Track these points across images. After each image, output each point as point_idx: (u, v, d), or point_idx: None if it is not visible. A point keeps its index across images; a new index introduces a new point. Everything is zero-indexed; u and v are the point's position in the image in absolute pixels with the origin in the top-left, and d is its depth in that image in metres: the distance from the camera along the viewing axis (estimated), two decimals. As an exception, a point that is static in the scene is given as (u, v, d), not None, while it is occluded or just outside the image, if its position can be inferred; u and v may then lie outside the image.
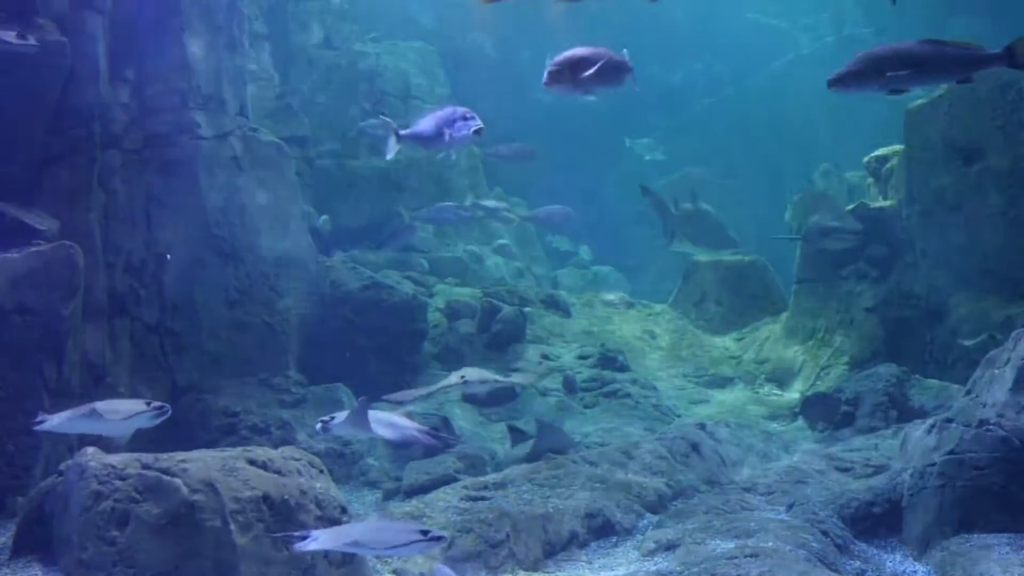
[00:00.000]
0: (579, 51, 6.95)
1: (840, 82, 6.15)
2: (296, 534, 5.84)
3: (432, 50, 21.26)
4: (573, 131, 22.50)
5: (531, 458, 10.29)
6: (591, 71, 6.74)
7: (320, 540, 5.67)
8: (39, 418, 6.92)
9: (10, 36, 8.70)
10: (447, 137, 7.40)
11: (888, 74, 6.01)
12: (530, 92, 20.56)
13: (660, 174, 25.75)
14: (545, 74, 6.84)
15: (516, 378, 8.83)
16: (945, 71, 6.21)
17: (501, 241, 19.56)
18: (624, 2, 25.26)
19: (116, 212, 10.44)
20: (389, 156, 7.95)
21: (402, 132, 7.89)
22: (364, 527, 6.21)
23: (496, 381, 8.30)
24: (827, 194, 15.31)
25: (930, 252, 13.35)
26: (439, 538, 5.72)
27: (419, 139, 7.76)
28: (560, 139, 19.68)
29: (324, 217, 16.58)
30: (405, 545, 5.68)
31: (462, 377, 8.19)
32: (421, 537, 5.64)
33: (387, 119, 8.52)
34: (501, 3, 19.09)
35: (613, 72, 7.00)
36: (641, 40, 24.98)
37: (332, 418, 7.63)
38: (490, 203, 18.16)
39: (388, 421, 7.58)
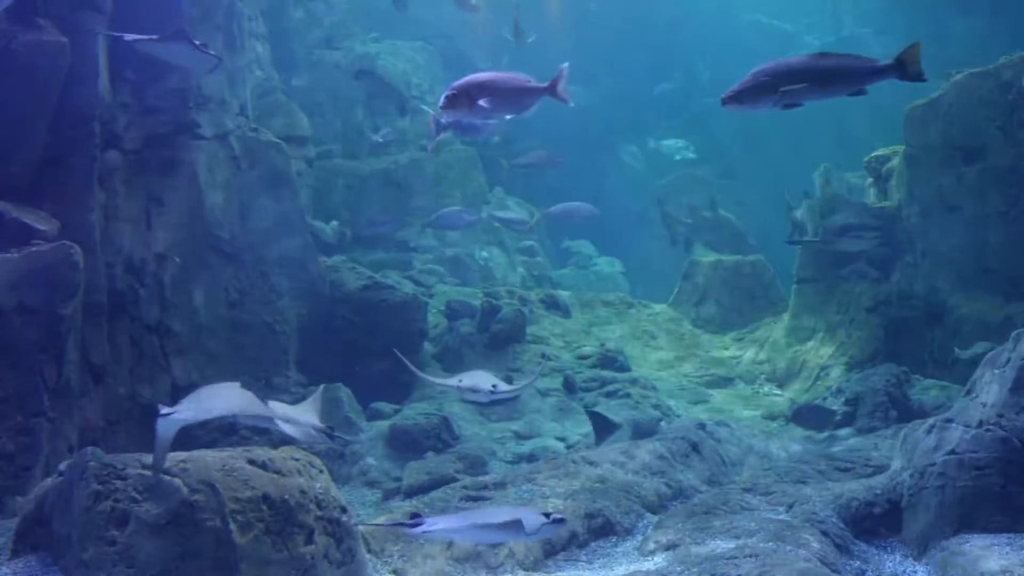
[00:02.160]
0: (481, 76, 6.99)
1: (734, 99, 6.12)
2: (409, 521, 5.80)
3: (432, 50, 21.27)
4: (573, 131, 22.50)
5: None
6: (485, 99, 6.74)
7: (439, 525, 5.67)
8: (166, 411, 6.25)
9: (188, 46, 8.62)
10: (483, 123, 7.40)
11: (781, 89, 6.00)
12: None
13: (657, 175, 25.79)
14: (442, 98, 6.84)
15: (529, 379, 8.61)
16: (838, 84, 6.18)
17: (528, 242, 19.75)
18: (625, 3, 25.32)
19: (116, 212, 10.43)
20: (433, 145, 7.96)
21: (443, 120, 7.89)
22: (485, 513, 6.18)
23: (517, 388, 7.94)
24: (841, 194, 15.26)
25: (930, 252, 13.35)
26: (561, 520, 5.76)
27: (459, 126, 7.79)
28: (560, 139, 19.67)
29: (333, 223, 16.52)
30: (531, 531, 5.70)
31: (493, 386, 7.80)
32: (546, 520, 5.68)
33: (428, 109, 8.48)
34: (501, 3, 19.15)
35: (514, 99, 6.96)
36: (641, 40, 25.12)
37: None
38: (507, 214, 18.21)
39: (285, 415, 7.27)
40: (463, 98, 6.74)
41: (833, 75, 6.14)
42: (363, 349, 12.79)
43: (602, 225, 17.46)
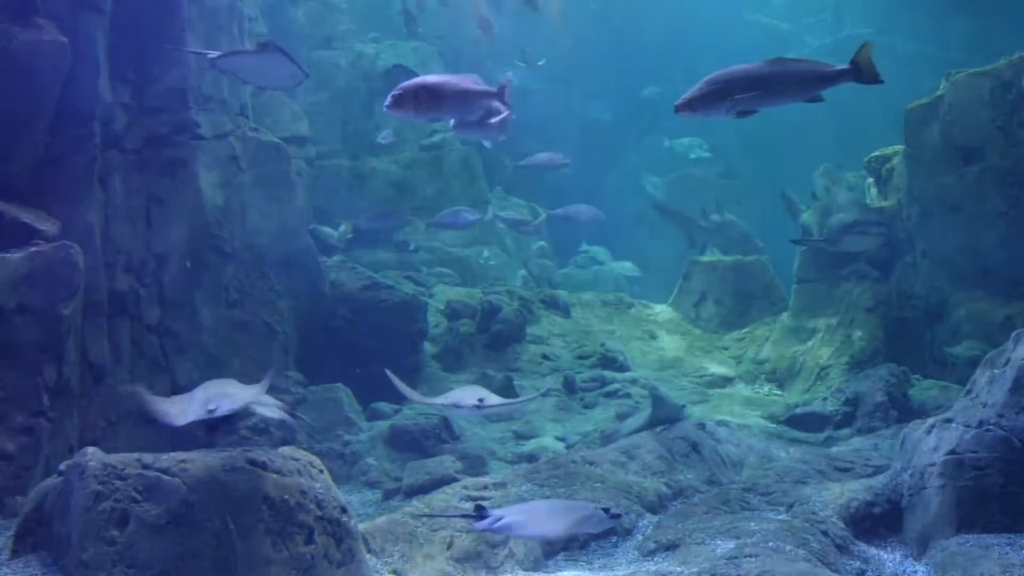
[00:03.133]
0: (429, 78, 7.02)
1: (687, 107, 6.08)
2: (472, 513, 5.84)
3: (432, 50, 21.25)
4: (572, 131, 22.52)
5: (647, 427, 10.66)
6: (430, 101, 6.75)
7: (504, 520, 5.68)
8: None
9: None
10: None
11: (735, 96, 5.94)
12: (529, 92, 20.56)
13: (658, 173, 25.80)
14: (389, 97, 6.83)
15: (524, 396, 8.42)
16: (793, 90, 6.08)
17: (540, 243, 19.80)
18: (625, 3, 25.33)
19: (116, 212, 10.43)
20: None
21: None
22: (547, 505, 6.27)
23: (508, 403, 7.78)
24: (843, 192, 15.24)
25: (930, 252, 13.35)
26: (618, 516, 5.80)
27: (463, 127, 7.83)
28: (559, 139, 19.68)
29: (342, 228, 16.48)
30: (592, 524, 5.79)
31: (480, 399, 7.69)
32: (604, 515, 5.80)
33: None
34: (501, 4, 19.16)
35: (460, 102, 6.99)
36: (641, 40, 25.12)
37: None
38: (512, 215, 18.23)
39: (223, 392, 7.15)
40: (409, 99, 6.74)
41: (788, 81, 6.04)
42: (363, 349, 12.79)
43: (602, 225, 17.47)
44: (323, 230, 15.65)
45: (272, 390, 11.54)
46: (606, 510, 5.90)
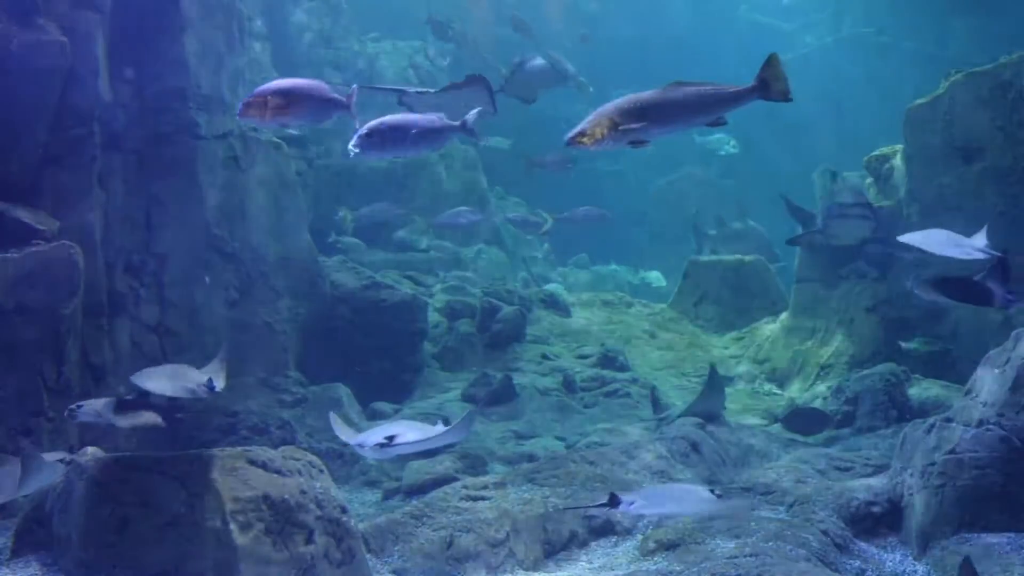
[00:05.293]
0: (283, 83, 7.01)
1: (577, 140, 5.81)
2: (606, 503, 6.11)
3: (432, 51, 21.26)
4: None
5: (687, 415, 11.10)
6: (278, 107, 6.78)
7: (637, 504, 6.05)
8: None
9: None
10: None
11: (620, 128, 5.65)
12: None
13: (659, 175, 25.81)
14: (240, 104, 6.86)
15: (448, 436, 7.31)
16: (692, 116, 5.79)
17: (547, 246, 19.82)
18: (624, 3, 25.33)
19: (116, 212, 10.44)
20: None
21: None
22: (666, 489, 6.92)
23: (420, 441, 6.97)
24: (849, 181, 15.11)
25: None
26: (721, 496, 6.26)
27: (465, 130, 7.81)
28: (557, 139, 19.67)
29: (342, 213, 16.53)
30: (704, 505, 6.21)
31: (389, 438, 6.79)
32: (715, 497, 6.14)
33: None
34: (501, 4, 19.17)
35: (313, 107, 7.00)
36: (641, 40, 25.11)
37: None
38: (521, 216, 18.25)
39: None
40: (259, 105, 6.76)
41: (685, 107, 5.74)
42: (363, 349, 12.79)
43: (601, 225, 17.47)
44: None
45: (272, 389, 11.59)
46: (712, 490, 6.25)
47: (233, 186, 11.84)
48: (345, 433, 6.31)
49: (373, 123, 6.89)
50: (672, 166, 25.56)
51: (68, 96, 9.60)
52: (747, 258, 17.37)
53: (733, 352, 15.73)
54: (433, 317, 14.19)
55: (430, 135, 6.98)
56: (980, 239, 7.84)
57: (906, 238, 8.09)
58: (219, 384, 7.23)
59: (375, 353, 12.77)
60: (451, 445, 10.90)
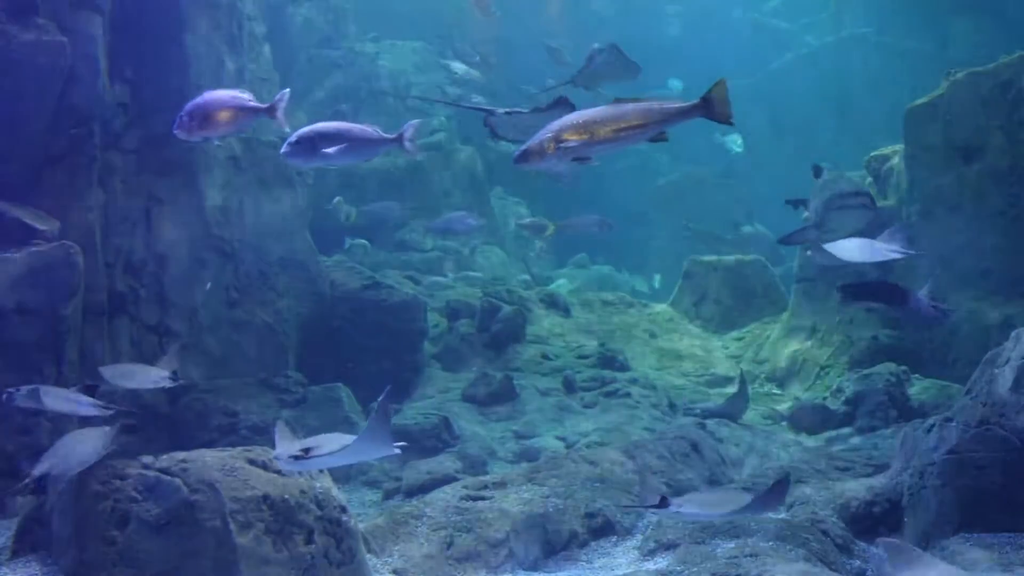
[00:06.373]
0: (215, 94, 7.14)
1: (523, 159, 5.81)
2: (656, 504, 6.29)
3: (431, 50, 21.27)
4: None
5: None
6: (201, 120, 6.89)
7: (682, 507, 6.28)
8: None
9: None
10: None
11: (560, 145, 5.65)
12: (528, 92, 20.56)
13: (659, 173, 25.78)
14: (177, 119, 6.95)
15: (364, 448, 6.84)
16: (634, 133, 5.72)
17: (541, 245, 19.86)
18: (625, 3, 25.33)
19: (116, 212, 10.44)
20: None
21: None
22: (710, 494, 7.26)
23: (332, 454, 6.68)
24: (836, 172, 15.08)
25: (930, 252, 13.33)
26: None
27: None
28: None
29: (338, 200, 16.51)
30: (751, 508, 6.35)
31: (304, 450, 6.26)
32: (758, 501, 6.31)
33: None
34: (501, 4, 19.15)
35: (230, 121, 7.09)
36: (641, 40, 25.10)
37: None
38: (529, 221, 18.33)
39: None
40: (189, 120, 6.89)
41: (630, 122, 5.69)
42: (363, 349, 12.78)
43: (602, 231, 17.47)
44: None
45: (272, 389, 11.58)
46: (752, 496, 6.43)
47: (233, 186, 11.84)
48: (280, 444, 6.14)
49: (304, 130, 6.92)
50: (672, 166, 25.56)
51: (68, 96, 9.60)
52: (747, 258, 17.37)
53: (733, 352, 15.73)
54: (433, 317, 14.20)
55: (361, 146, 7.00)
56: (895, 240, 8.05)
57: (828, 247, 8.34)
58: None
59: (375, 353, 12.76)
60: (451, 445, 10.89)
